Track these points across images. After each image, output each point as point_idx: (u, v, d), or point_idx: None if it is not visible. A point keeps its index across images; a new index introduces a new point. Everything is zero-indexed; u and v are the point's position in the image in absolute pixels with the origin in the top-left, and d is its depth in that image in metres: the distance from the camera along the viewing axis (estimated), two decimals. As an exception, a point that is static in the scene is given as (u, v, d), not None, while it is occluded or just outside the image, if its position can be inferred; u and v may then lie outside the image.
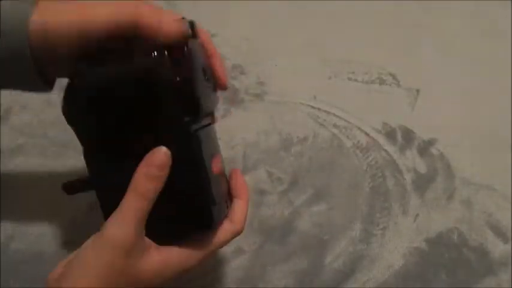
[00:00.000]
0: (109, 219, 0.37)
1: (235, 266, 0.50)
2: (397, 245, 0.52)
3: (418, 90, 0.67)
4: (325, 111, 0.65)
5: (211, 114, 0.44)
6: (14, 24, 0.38)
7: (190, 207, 0.40)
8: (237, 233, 0.43)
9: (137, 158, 0.37)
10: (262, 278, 0.50)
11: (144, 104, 0.37)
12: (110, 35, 0.38)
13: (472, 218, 0.55)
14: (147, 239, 0.38)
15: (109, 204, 0.38)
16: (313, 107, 0.65)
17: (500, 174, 0.58)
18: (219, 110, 0.64)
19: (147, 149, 0.37)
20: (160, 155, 0.38)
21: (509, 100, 0.65)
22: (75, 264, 0.36)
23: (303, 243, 0.52)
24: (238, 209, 0.44)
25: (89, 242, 0.37)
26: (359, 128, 0.63)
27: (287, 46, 0.73)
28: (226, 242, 0.43)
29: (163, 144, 0.37)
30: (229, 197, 0.45)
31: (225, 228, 0.43)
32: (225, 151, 0.60)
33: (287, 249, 0.52)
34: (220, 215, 0.42)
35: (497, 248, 0.52)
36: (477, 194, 0.57)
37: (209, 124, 0.43)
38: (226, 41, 0.72)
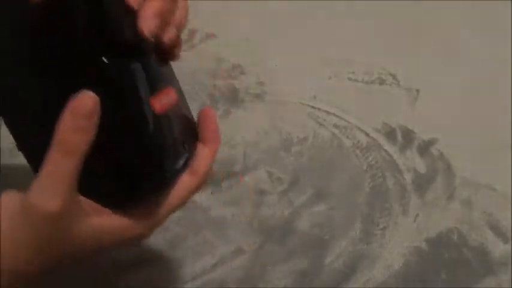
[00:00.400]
0: (36, 182, 0.32)
1: (235, 266, 0.50)
2: (397, 245, 0.52)
3: (418, 90, 0.67)
4: (325, 111, 0.65)
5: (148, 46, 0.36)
6: None
7: (132, 160, 0.34)
8: (197, 188, 0.37)
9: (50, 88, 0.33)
10: (262, 278, 0.50)
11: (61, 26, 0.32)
12: None
13: (472, 218, 0.55)
14: (84, 201, 0.33)
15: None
16: (313, 107, 0.65)
17: (500, 174, 0.58)
18: (219, 110, 0.64)
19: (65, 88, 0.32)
20: (86, 100, 0.31)
21: (509, 100, 0.65)
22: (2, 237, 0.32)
23: (303, 243, 0.52)
24: (201, 156, 0.37)
25: (15, 211, 0.32)
26: (359, 128, 0.63)
27: (287, 46, 0.73)
28: (183, 201, 0.36)
29: (81, 82, 0.31)
30: (194, 143, 0.38)
31: (181, 183, 0.36)
32: (225, 151, 0.60)
33: (287, 249, 0.52)
34: (174, 166, 0.35)
35: (497, 248, 0.52)
36: (477, 194, 0.57)
37: (144, 58, 0.35)
38: (226, 41, 0.72)
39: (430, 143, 0.61)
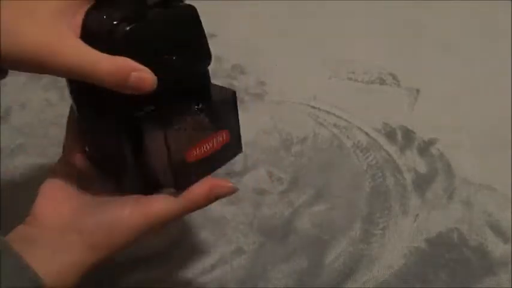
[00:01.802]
0: (163, 200, 0.39)
1: (235, 266, 0.50)
2: (397, 245, 0.52)
3: (418, 90, 0.67)
4: (325, 111, 0.65)
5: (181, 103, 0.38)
6: None
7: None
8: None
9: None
10: (262, 278, 0.50)
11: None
12: None
13: (472, 218, 0.55)
14: None
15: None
16: (313, 107, 0.65)
17: (500, 174, 0.58)
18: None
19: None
20: (224, 188, 0.41)
21: (509, 100, 0.65)
22: (109, 216, 0.38)
23: (303, 243, 0.52)
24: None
25: (128, 202, 0.38)
26: (359, 128, 0.63)
27: (287, 46, 0.73)
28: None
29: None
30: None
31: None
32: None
33: (287, 249, 0.52)
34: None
35: (497, 248, 0.52)
36: (477, 194, 0.57)
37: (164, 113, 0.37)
38: (226, 41, 0.72)
39: (430, 143, 0.61)
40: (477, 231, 0.54)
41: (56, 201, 0.40)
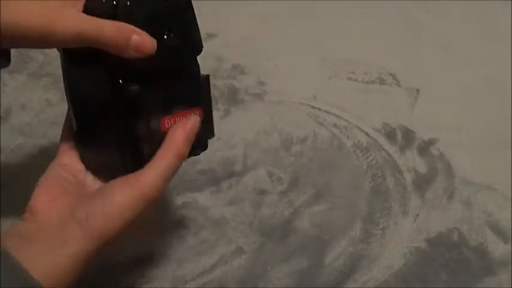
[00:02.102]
0: (148, 169, 0.39)
1: (235, 266, 0.50)
2: (397, 245, 0.52)
3: (418, 90, 0.67)
4: (325, 111, 0.65)
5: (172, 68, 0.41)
6: None
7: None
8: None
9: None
10: (262, 278, 0.50)
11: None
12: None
13: (472, 218, 0.55)
14: None
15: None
16: (313, 107, 0.65)
17: (500, 174, 0.58)
18: (219, 110, 0.64)
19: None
20: (195, 121, 0.41)
21: (509, 100, 0.65)
22: (100, 201, 0.38)
23: (303, 243, 0.52)
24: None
25: (117, 183, 0.38)
26: (359, 128, 0.63)
27: (287, 46, 0.73)
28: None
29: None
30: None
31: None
32: (225, 151, 0.60)
33: (287, 249, 0.52)
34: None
35: (497, 248, 0.52)
36: (477, 194, 0.57)
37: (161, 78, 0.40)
38: (226, 41, 0.72)
39: (430, 143, 0.61)
40: (477, 231, 0.54)
41: (52, 196, 0.40)
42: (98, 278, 0.49)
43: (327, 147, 0.61)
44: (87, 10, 0.37)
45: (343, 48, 0.72)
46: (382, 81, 0.68)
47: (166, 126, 0.40)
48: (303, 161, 0.60)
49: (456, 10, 0.76)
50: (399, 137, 0.62)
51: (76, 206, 0.39)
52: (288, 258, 0.51)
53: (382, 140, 0.62)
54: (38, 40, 0.35)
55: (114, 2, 0.37)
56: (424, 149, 0.61)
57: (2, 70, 0.67)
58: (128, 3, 0.37)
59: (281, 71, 0.69)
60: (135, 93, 0.39)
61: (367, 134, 0.62)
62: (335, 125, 0.63)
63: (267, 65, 0.70)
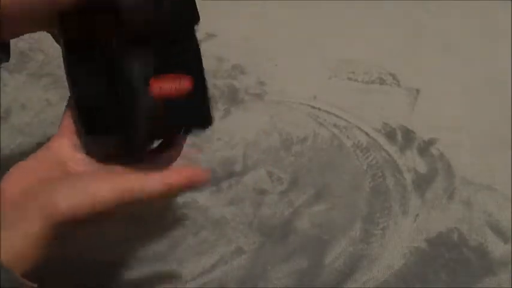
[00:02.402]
0: (136, 171, 0.39)
1: (235, 266, 0.50)
2: (397, 245, 0.52)
3: (418, 90, 0.67)
4: (325, 111, 0.65)
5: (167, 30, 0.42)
6: None
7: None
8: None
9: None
10: (262, 278, 0.50)
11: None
12: None
13: (472, 218, 0.55)
14: None
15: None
16: (313, 107, 0.65)
17: (500, 174, 0.58)
18: (219, 110, 0.64)
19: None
20: (197, 176, 0.40)
21: (509, 100, 0.65)
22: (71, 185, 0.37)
23: (303, 243, 0.52)
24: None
25: (98, 174, 0.38)
26: (359, 128, 0.63)
27: (287, 46, 0.73)
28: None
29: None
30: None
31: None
32: (225, 151, 0.60)
33: (287, 249, 0.52)
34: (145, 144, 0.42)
35: (497, 248, 0.52)
36: (477, 194, 0.57)
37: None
38: (226, 41, 0.72)
39: (430, 143, 0.61)
40: (477, 231, 0.54)
41: (23, 173, 0.38)
42: (97, 277, 0.49)
43: (327, 147, 0.61)
44: None
45: (343, 48, 0.72)
46: (382, 81, 0.68)
47: (154, 88, 0.40)
48: (303, 161, 0.60)
49: (456, 10, 0.76)
50: (399, 137, 0.62)
51: (44, 184, 0.37)
52: (288, 258, 0.51)
53: (382, 140, 0.62)
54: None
55: None
56: (424, 149, 0.61)
57: (2, 70, 0.67)
58: None
59: (281, 71, 0.69)
60: (126, 51, 0.39)
61: (367, 134, 0.62)
62: (335, 125, 0.63)
63: (267, 65, 0.70)
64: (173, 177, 0.39)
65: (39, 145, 0.59)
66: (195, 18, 0.43)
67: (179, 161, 0.43)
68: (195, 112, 0.43)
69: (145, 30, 0.40)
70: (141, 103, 0.39)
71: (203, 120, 0.44)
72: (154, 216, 0.54)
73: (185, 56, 0.43)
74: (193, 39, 0.44)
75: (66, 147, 0.40)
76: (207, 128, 0.44)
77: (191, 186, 0.40)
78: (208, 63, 0.70)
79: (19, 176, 0.38)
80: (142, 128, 0.40)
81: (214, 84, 0.66)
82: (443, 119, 0.64)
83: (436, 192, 0.57)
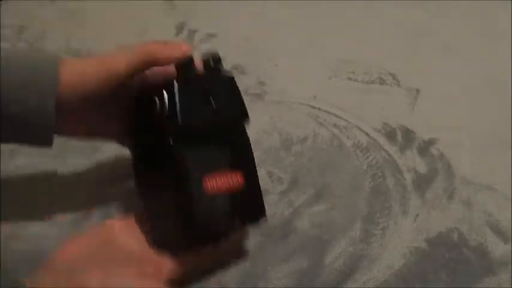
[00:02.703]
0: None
1: (235, 266, 0.50)
2: (397, 245, 0.52)
3: (418, 90, 0.67)
4: (325, 111, 0.65)
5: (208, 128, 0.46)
6: (45, 77, 0.44)
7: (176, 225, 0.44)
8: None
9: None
10: (262, 278, 0.50)
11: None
12: (129, 76, 0.45)
13: (472, 218, 0.55)
14: None
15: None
16: (313, 107, 0.65)
17: (500, 174, 0.58)
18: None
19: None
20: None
21: (509, 100, 0.65)
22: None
23: (303, 243, 0.52)
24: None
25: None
26: (359, 128, 0.63)
27: (287, 46, 0.73)
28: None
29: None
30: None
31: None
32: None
33: (287, 249, 0.52)
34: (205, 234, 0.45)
35: (497, 248, 0.52)
36: (477, 194, 0.57)
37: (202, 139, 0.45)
38: (226, 41, 0.72)
39: (430, 143, 0.61)
40: (477, 231, 0.54)
41: (75, 245, 0.44)
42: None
43: (327, 147, 0.61)
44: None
45: (343, 48, 0.72)
46: (382, 81, 0.68)
47: (208, 186, 0.43)
48: (303, 161, 0.60)
49: (456, 10, 0.76)
50: (399, 137, 0.62)
51: (84, 266, 0.42)
52: (288, 258, 0.51)
53: (382, 140, 0.62)
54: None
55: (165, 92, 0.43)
56: (424, 149, 0.61)
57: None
58: (182, 81, 0.43)
59: (281, 71, 0.69)
60: (182, 151, 0.43)
61: (367, 134, 0.62)
62: (335, 125, 0.63)
63: (267, 65, 0.70)
64: None
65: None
66: (243, 114, 0.46)
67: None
68: (248, 205, 0.46)
69: (199, 130, 0.44)
70: (197, 202, 0.43)
71: (256, 212, 0.47)
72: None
73: (236, 151, 0.46)
74: (243, 134, 0.47)
75: (118, 230, 0.45)
76: (261, 219, 0.47)
77: None
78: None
79: (71, 248, 0.43)
80: (200, 225, 0.43)
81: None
82: (443, 119, 0.64)
83: (436, 192, 0.57)
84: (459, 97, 0.66)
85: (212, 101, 0.44)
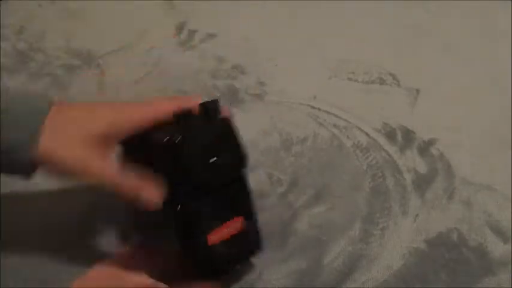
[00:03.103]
0: None
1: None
2: (396, 245, 0.52)
3: (418, 90, 0.67)
4: (325, 111, 0.65)
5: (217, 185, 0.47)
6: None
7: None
8: None
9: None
10: (262, 278, 0.50)
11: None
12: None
13: (472, 218, 0.55)
14: None
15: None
16: (313, 107, 0.65)
17: (500, 174, 0.58)
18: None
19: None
20: None
21: (509, 100, 0.65)
22: None
23: (303, 244, 0.52)
24: None
25: None
26: (359, 128, 0.63)
27: (287, 46, 0.73)
28: None
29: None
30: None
31: None
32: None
33: (287, 250, 0.52)
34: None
35: (497, 248, 0.52)
36: (477, 194, 0.57)
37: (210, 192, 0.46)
38: (226, 41, 0.72)
39: (430, 143, 0.61)
40: (477, 231, 0.54)
41: (88, 280, 0.46)
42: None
43: (327, 148, 0.61)
44: (153, 141, 0.44)
45: (343, 48, 0.72)
46: (382, 81, 0.68)
47: (212, 239, 0.45)
48: (303, 161, 0.60)
49: (456, 10, 0.76)
50: (399, 137, 0.62)
51: None
52: (288, 258, 0.51)
53: (382, 140, 0.62)
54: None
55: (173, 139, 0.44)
56: (424, 149, 0.61)
57: (2, 70, 0.67)
58: (182, 139, 0.43)
59: (281, 71, 0.69)
60: (189, 207, 0.45)
61: (367, 134, 0.62)
62: (335, 125, 0.63)
63: (267, 65, 0.70)
64: None
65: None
66: (242, 162, 0.47)
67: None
68: (246, 246, 0.48)
69: (205, 184, 0.45)
70: (200, 251, 0.46)
71: (254, 250, 0.49)
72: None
73: (238, 198, 0.48)
74: (244, 182, 0.48)
75: (126, 264, 0.47)
76: (258, 253, 0.49)
77: None
78: (208, 63, 0.71)
79: (85, 282, 0.45)
80: (200, 268, 0.46)
81: (214, 84, 0.66)
82: (443, 119, 0.64)
83: (436, 193, 0.57)
84: (459, 97, 0.66)
85: (214, 154, 0.45)
